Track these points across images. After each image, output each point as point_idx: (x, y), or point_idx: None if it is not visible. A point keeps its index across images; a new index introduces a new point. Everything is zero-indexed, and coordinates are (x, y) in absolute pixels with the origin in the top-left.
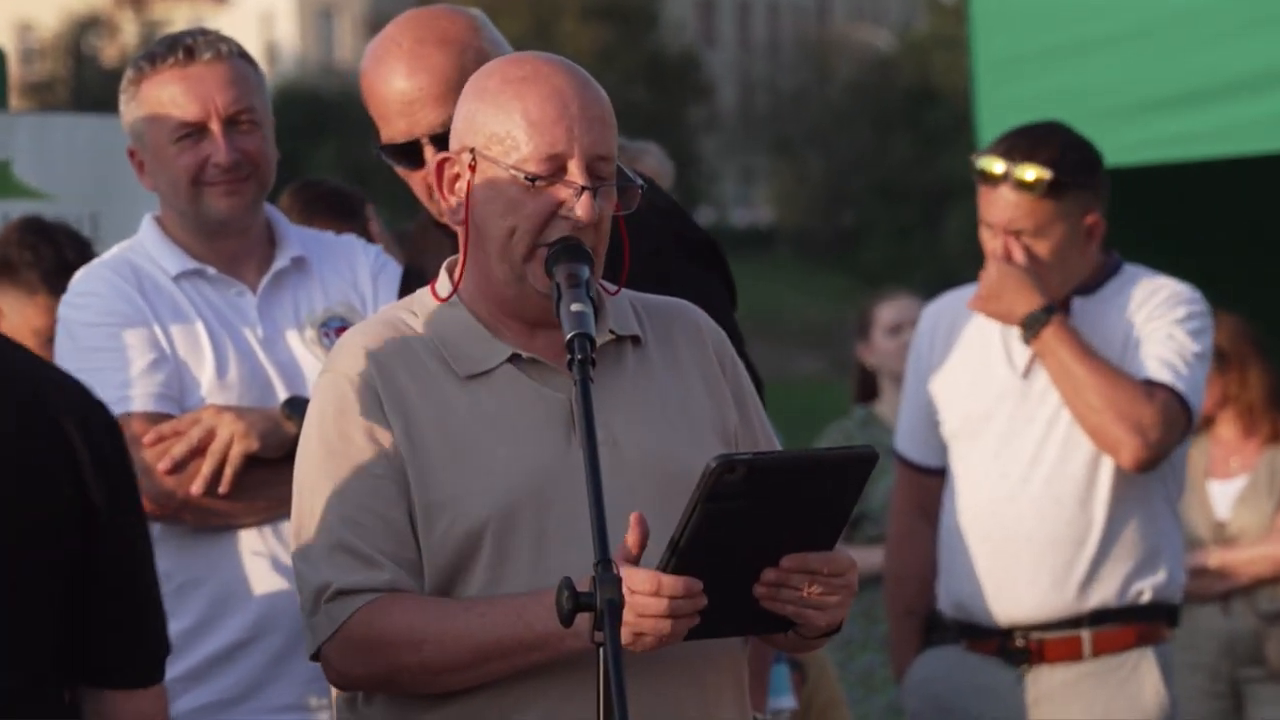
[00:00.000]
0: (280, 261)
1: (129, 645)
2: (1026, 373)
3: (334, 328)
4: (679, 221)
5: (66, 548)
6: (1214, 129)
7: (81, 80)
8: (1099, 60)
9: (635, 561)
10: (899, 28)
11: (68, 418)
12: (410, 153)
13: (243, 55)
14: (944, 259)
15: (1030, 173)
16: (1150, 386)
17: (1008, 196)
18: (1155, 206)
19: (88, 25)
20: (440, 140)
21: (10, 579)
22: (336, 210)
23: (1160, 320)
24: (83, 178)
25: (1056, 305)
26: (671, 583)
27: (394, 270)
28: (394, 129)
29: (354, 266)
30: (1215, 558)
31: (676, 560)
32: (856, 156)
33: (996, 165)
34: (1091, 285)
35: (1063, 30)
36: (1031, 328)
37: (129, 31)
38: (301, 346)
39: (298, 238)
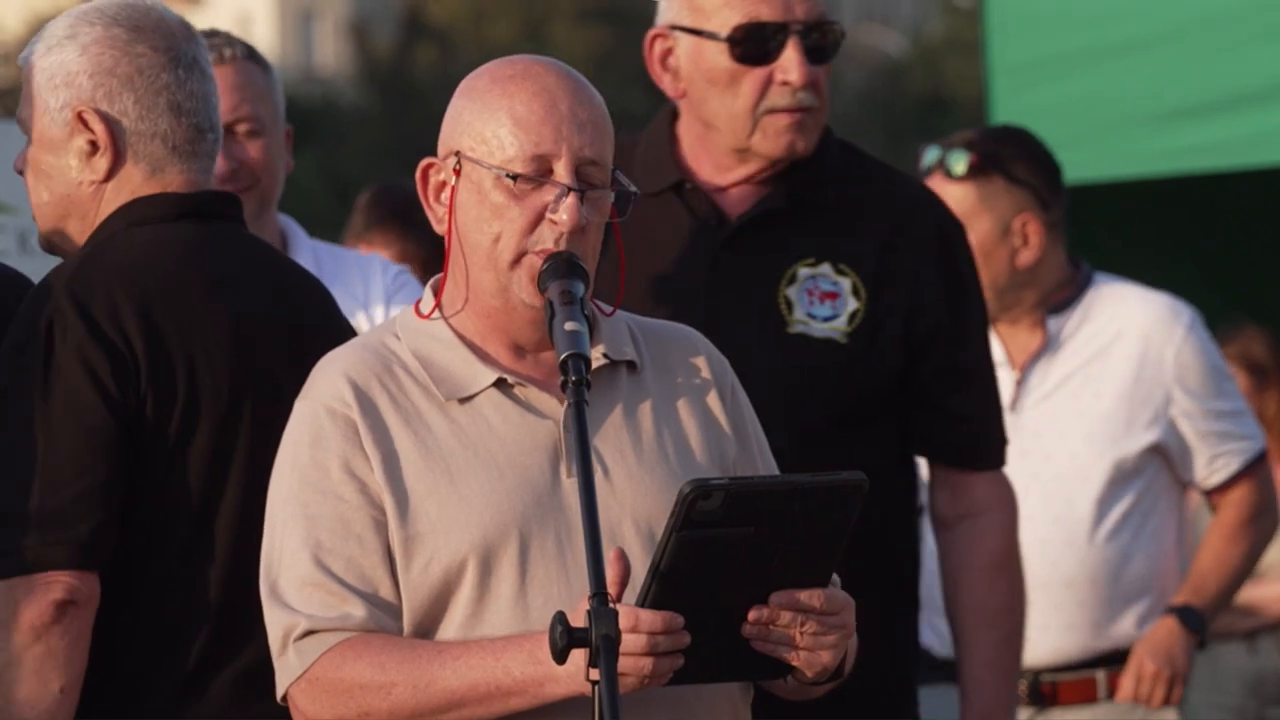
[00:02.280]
0: None
1: None
2: (1014, 405)
3: None
4: None
5: None
6: (1238, 138)
7: None
8: (1120, 66)
9: (616, 599)
10: (910, 31)
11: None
12: (758, 39)
13: (251, 57)
14: None
15: (953, 160)
16: (1240, 484)
17: (937, 186)
18: (1177, 216)
19: None
20: (810, 31)
21: None
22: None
23: (1193, 388)
24: None
25: (1195, 612)
26: (650, 618)
27: (413, 290)
28: (750, 10)
29: (368, 286)
30: (1241, 593)
31: (655, 591)
32: None
33: (931, 154)
34: (1065, 301)
35: (1082, 35)
36: (1200, 632)
37: None
38: None
39: (311, 253)
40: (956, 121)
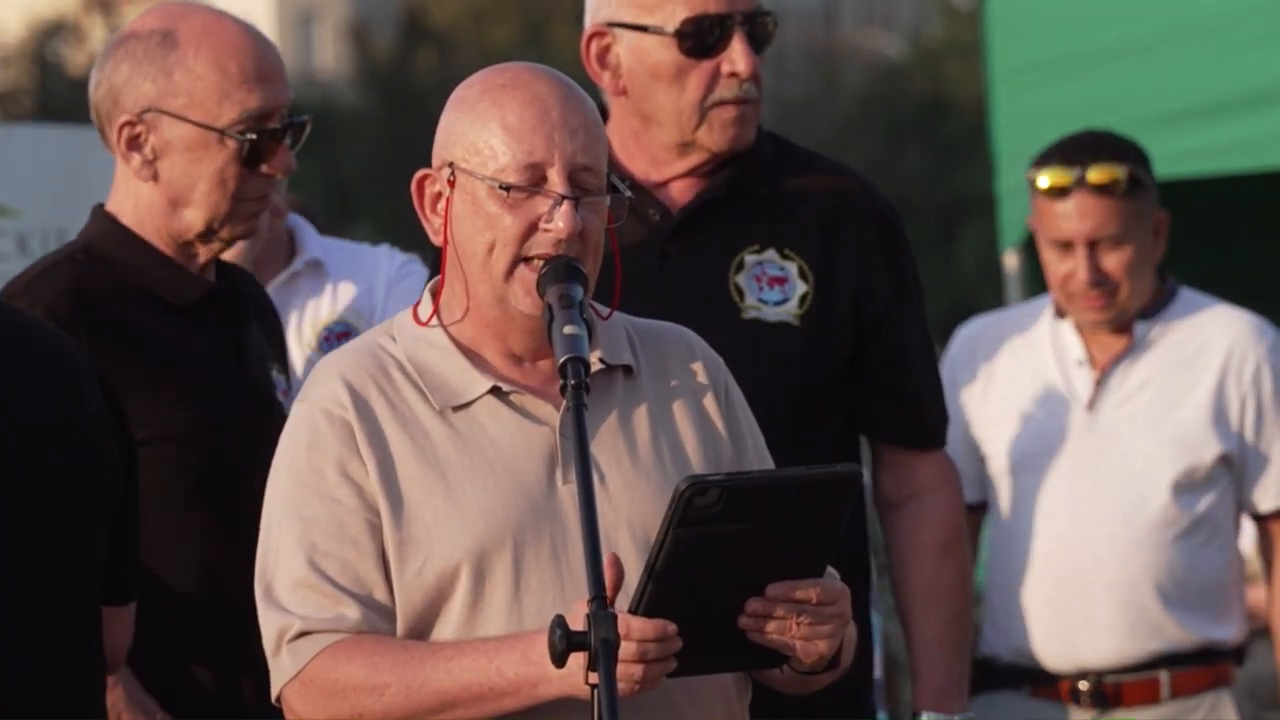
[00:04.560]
0: (295, 265)
1: (132, 565)
2: (1092, 405)
3: (337, 332)
4: None
5: (124, 482)
6: (1240, 141)
7: (47, 89)
8: (1122, 69)
9: (609, 604)
10: (910, 34)
11: (92, 368)
12: (704, 33)
13: None
14: (959, 278)
15: (1106, 173)
16: None
17: (1085, 204)
18: (1178, 219)
19: (53, 31)
20: (751, 20)
21: (101, 516)
22: None
23: (1268, 406)
24: (49, 192)
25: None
26: (641, 626)
27: (416, 280)
28: (697, 3)
29: (373, 276)
30: (1251, 596)
31: (652, 591)
32: (866, 170)
33: (1065, 172)
34: (1153, 307)
35: (1084, 37)
36: None
37: (97, 38)
38: (297, 349)
39: (319, 246)
40: (956, 124)
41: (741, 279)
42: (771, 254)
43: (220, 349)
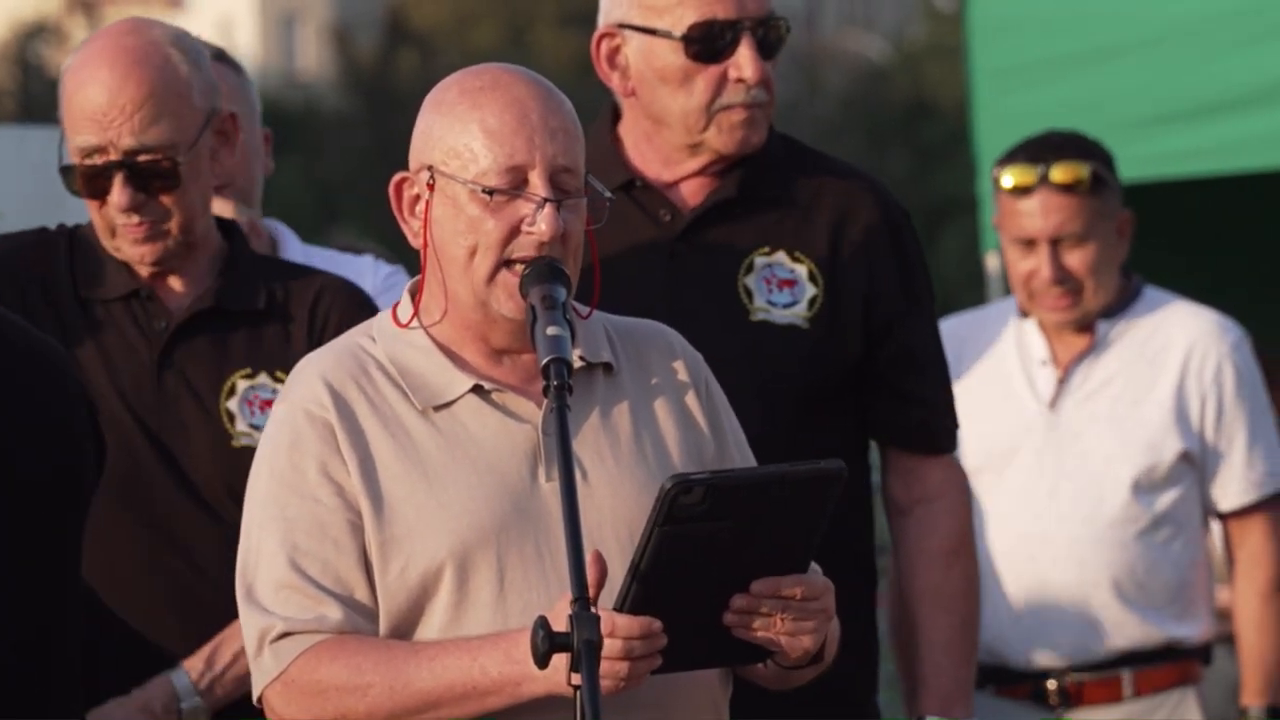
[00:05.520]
0: None
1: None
2: (1053, 404)
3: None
4: None
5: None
6: (1222, 144)
7: (29, 91)
8: (1103, 72)
9: (593, 601)
10: (893, 36)
11: (72, 374)
12: (712, 37)
13: (220, 59)
14: (941, 280)
15: (1069, 171)
16: (1256, 516)
17: (1048, 202)
18: (1159, 221)
19: (35, 33)
20: (761, 26)
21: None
22: None
23: (1229, 404)
24: (32, 193)
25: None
26: (627, 623)
27: (403, 289)
28: (706, 8)
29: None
30: (1222, 596)
31: (636, 590)
32: None
33: (1029, 171)
34: (1115, 308)
35: (1066, 40)
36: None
37: (78, 40)
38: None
39: (303, 258)
40: (938, 127)
41: (751, 280)
42: (781, 256)
43: (125, 348)
